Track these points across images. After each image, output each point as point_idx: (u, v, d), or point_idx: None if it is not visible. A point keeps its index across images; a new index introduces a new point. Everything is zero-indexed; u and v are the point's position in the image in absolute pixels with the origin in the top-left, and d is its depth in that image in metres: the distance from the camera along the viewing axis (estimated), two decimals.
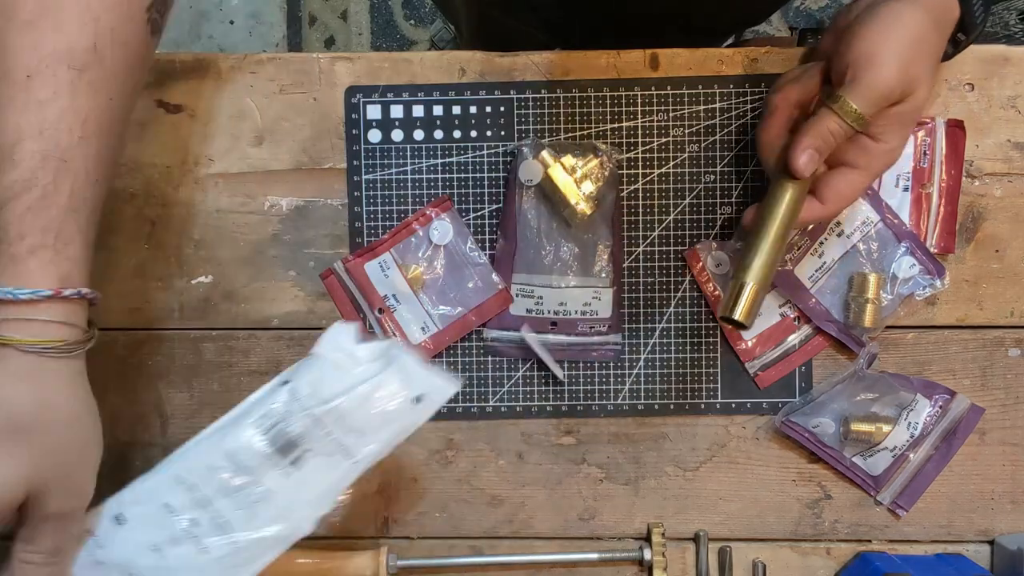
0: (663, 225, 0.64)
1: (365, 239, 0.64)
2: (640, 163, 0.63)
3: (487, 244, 0.64)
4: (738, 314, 0.52)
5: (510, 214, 0.60)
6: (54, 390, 0.44)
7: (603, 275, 0.59)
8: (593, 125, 0.63)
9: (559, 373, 0.62)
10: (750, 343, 0.64)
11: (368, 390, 0.49)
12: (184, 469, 0.49)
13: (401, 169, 0.64)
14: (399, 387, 0.49)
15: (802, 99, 0.55)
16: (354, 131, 0.64)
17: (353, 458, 0.49)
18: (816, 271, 0.63)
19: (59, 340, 0.43)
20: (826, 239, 0.62)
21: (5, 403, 0.42)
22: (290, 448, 0.48)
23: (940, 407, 0.63)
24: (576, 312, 0.59)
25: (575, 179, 0.59)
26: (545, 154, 0.60)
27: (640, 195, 0.63)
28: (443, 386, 0.50)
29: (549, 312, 0.59)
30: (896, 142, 0.53)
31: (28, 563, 0.44)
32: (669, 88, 0.63)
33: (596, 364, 0.64)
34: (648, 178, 0.63)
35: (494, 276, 0.63)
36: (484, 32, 0.86)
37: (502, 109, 0.63)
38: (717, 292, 0.64)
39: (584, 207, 0.59)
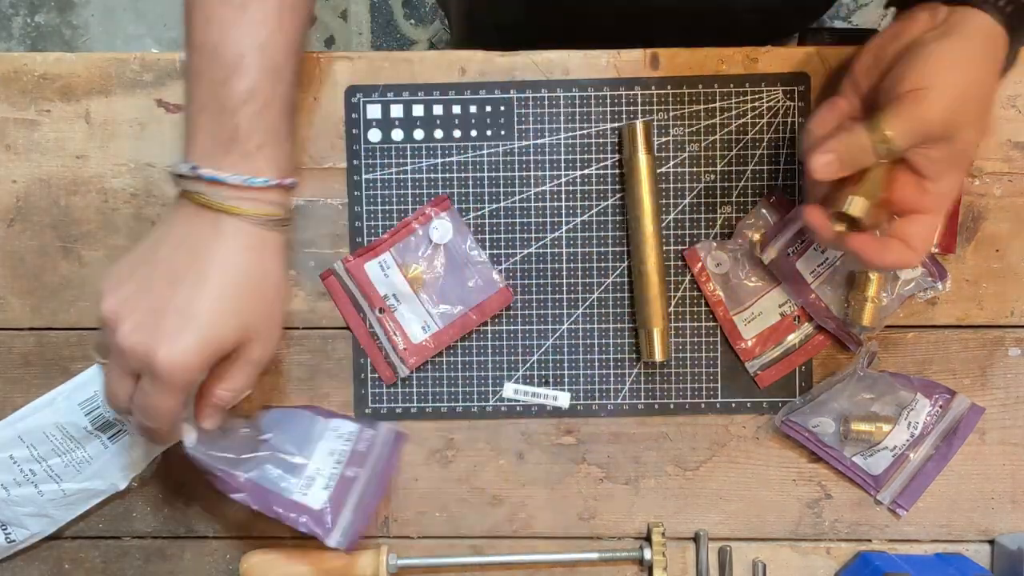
0: (663, 224, 0.64)
1: (365, 239, 0.64)
2: None
3: (487, 243, 0.64)
4: (657, 356, 0.62)
5: None
6: (270, 259, 0.53)
7: None
8: (593, 125, 0.63)
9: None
10: (750, 343, 0.64)
11: None
12: (25, 431, 0.62)
13: (401, 169, 0.64)
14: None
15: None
16: (354, 131, 0.64)
17: None
18: (818, 266, 0.63)
19: (279, 215, 0.53)
20: None
21: (235, 268, 0.52)
22: (107, 428, 0.62)
23: (940, 407, 0.63)
24: None
25: None
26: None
27: None
28: None
29: None
30: (947, 185, 0.52)
31: (222, 397, 0.54)
32: (669, 88, 0.63)
33: (597, 363, 0.64)
34: None
35: (494, 274, 0.64)
36: (472, 24, 0.86)
37: (502, 109, 0.63)
38: (717, 292, 0.64)
39: None
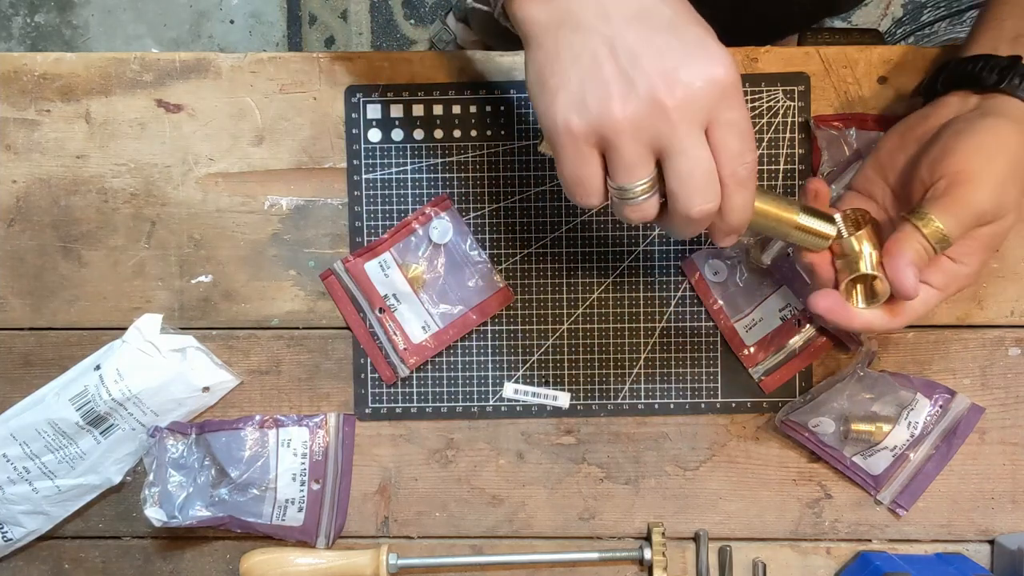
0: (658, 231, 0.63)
1: (365, 238, 0.64)
2: None
3: (487, 243, 0.64)
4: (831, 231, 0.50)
5: None
6: None
7: None
8: None
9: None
10: (752, 349, 0.64)
11: (164, 381, 0.61)
12: (17, 428, 0.62)
13: (401, 169, 0.64)
14: (191, 379, 0.62)
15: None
16: (354, 130, 0.64)
17: (150, 431, 0.63)
18: None
19: None
20: None
21: None
22: (99, 422, 0.62)
23: (940, 406, 0.63)
24: None
25: None
26: None
27: None
28: (228, 379, 0.64)
29: None
30: (976, 266, 0.51)
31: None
32: None
33: (597, 363, 0.64)
34: None
35: (494, 274, 0.63)
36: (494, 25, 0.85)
37: (502, 109, 0.63)
38: (717, 301, 0.64)
39: None
